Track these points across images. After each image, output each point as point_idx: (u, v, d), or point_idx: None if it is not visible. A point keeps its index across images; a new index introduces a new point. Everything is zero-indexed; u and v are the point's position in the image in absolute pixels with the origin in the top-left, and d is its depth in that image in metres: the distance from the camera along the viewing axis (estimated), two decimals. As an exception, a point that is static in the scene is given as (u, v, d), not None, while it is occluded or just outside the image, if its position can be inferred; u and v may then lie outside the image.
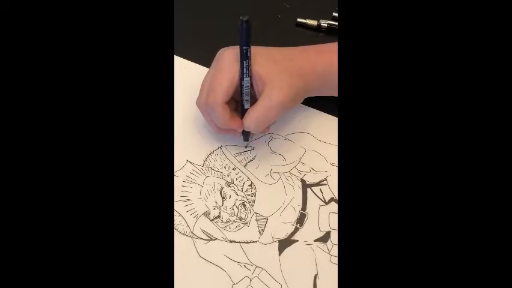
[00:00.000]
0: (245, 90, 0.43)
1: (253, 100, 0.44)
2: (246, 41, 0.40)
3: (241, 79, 0.42)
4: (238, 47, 0.41)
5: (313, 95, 0.49)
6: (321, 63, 0.46)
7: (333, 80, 0.46)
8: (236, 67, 0.42)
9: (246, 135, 0.47)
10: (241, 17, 0.39)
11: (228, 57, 0.43)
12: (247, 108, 0.44)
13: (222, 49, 0.44)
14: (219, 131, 0.46)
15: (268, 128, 0.46)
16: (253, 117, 0.43)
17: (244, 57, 0.41)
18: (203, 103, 0.44)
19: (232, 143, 0.49)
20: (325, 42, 0.49)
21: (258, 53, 0.44)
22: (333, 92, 0.48)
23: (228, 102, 0.44)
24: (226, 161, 0.48)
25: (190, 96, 0.47)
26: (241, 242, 0.44)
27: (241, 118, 0.45)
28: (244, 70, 0.42)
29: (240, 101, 0.44)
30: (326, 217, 0.45)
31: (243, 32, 0.39)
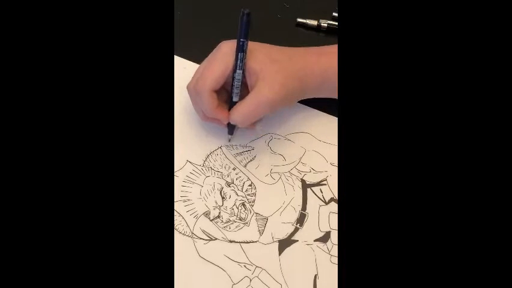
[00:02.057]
0: (236, 83, 0.43)
1: (245, 93, 0.44)
2: (244, 34, 0.40)
3: (234, 71, 0.42)
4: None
5: (310, 97, 0.49)
6: (320, 65, 0.46)
7: (331, 82, 0.46)
8: (231, 58, 0.42)
9: (231, 128, 0.47)
10: (242, 9, 0.39)
11: (226, 48, 0.43)
12: (236, 101, 0.44)
13: (223, 41, 0.45)
14: (204, 118, 0.46)
15: (254, 124, 0.46)
16: (241, 111, 0.43)
17: (240, 49, 0.41)
18: (192, 88, 0.44)
19: (232, 143, 0.49)
20: (325, 42, 0.49)
21: (258, 49, 0.44)
22: (332, 93, 0.48)
23: (219, 92, 0.44)
24: (226, 161, 0.48)
25: (190, 96, 0.47)
26: (241, 242, 0.44)
27: (229, 110, 0.45)
28: (238, 62, 0.42)
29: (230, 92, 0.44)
30: (326, 217, 0.45)
31: (243, 24, 0.40)
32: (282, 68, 0.44)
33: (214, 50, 0.45)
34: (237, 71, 0.42)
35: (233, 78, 0.43)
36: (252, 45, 0.42)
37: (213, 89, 0.43)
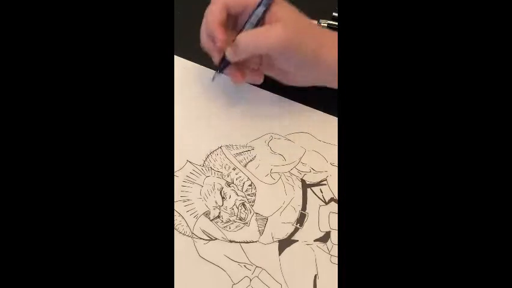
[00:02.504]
0: (253, 17, 0.43)
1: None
2: None
3: (258, 5, 0.43)
4: None
5: (322, 77, 0.48)
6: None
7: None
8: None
9: (224, 63, 0.46)
10: None
11: None
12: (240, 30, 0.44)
13: None
14: (203, 38, 0.46)
15: (258, 74, 0.46)
16: (248, 35, 0.43)
17: None
18: (211, 3, 0.45)
19: (232, 143, 0.49)
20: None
21: (291, 7, 0.44)
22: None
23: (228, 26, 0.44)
24: (226, 161, 0.48)
25: (190, 96, 0.47)
26: (241, 242, 0.44)
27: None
28: (264, 1, 0.42)
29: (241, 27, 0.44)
30: (326, 217, 0.45)
31: None
32: (304, 25, 0.44)
33: None
34: (260, 7, 0.42)
35: (253, 11, 0.43)
36: (287, 4, 0.42)
37: (228, 4, 0.43)
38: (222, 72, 0.47)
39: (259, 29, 0.43)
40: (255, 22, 0.43)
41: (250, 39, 0.43)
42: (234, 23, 0.46)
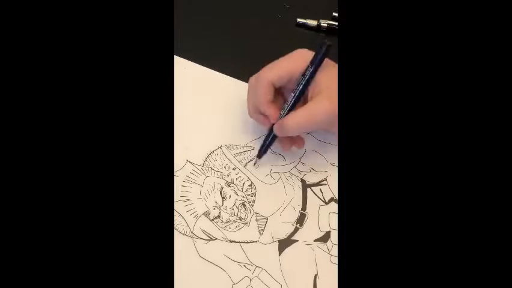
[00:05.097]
0: (297, 92, 0.43)
1: (299, 106, 0.44)
2: (320, 61, 0.42)
3: (302, 75, 0.43)
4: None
5: None
6: None
7: None
8: (302, 64, 0.43)
9: (265, 148, 0.46)
10: (325, 41, 0.42)
11: (304, 55, 0.44)
12: (287, 106, 0.44)
13: (300, 49, 0.45)
14: (252, 112, 0.46)
15: (300, 141, 0.46)
16: (296, 118, 0.43)
17: (318, 62, 0.42)
18: (253, 78, 0.45)
19: (232, 143, 0.49)
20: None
21: (331, 65, 0.44)
22: None
23: (276, 99, 0.45)
24: (226, 161, 0.48)
25: (190, 96, 0.47)
26: (241, 242, 0.44)
27: (280, 113, 0.44)
28: (308, 75, 0.43)
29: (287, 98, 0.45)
30: (326, 217, 0.45)
31: (322, 54, 0.42)
32: None
33: (294, 51, 0.45)
34: (303, 82, 0.43)
35: (297, 84, 0.43)
36: (327, 62, 0.42)
37: (274, 81, 0.43)
38: (266, 152, 0.47)
39: (306, 109, 0.43)
40: (298, 96, 0.44)
41: (298, 122, 0.43)
42: (280, 92, 0.46)
